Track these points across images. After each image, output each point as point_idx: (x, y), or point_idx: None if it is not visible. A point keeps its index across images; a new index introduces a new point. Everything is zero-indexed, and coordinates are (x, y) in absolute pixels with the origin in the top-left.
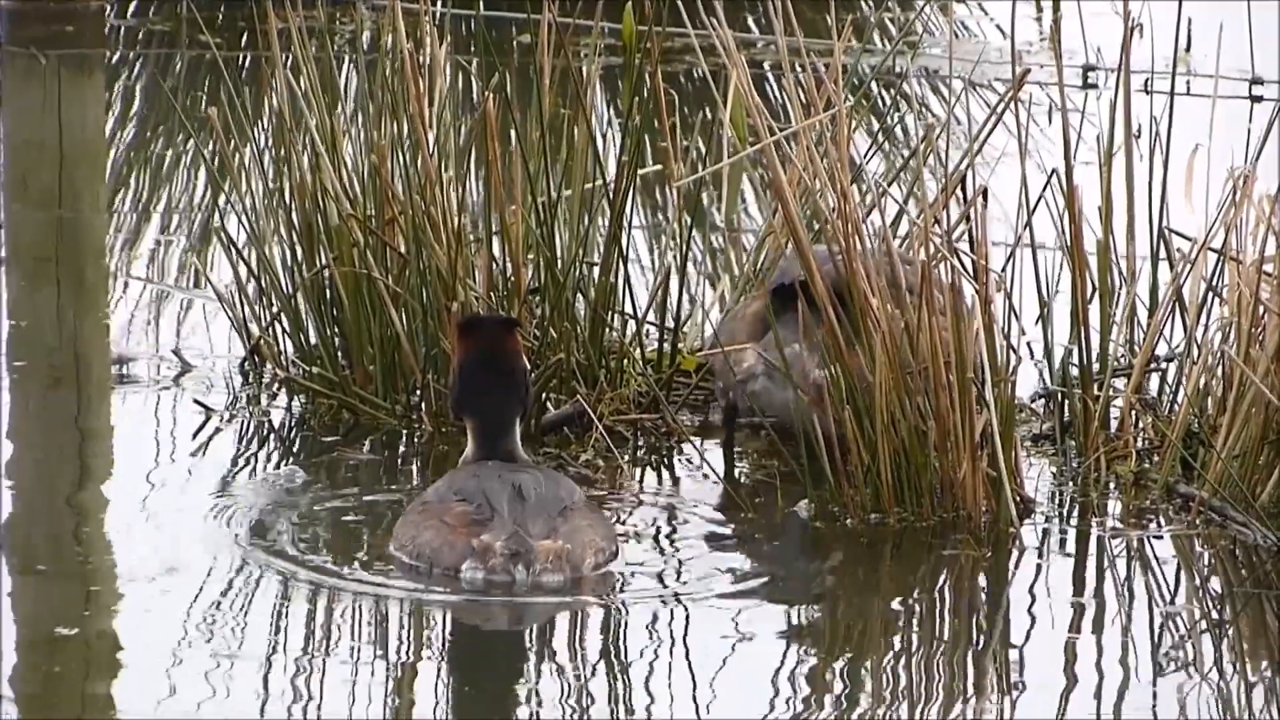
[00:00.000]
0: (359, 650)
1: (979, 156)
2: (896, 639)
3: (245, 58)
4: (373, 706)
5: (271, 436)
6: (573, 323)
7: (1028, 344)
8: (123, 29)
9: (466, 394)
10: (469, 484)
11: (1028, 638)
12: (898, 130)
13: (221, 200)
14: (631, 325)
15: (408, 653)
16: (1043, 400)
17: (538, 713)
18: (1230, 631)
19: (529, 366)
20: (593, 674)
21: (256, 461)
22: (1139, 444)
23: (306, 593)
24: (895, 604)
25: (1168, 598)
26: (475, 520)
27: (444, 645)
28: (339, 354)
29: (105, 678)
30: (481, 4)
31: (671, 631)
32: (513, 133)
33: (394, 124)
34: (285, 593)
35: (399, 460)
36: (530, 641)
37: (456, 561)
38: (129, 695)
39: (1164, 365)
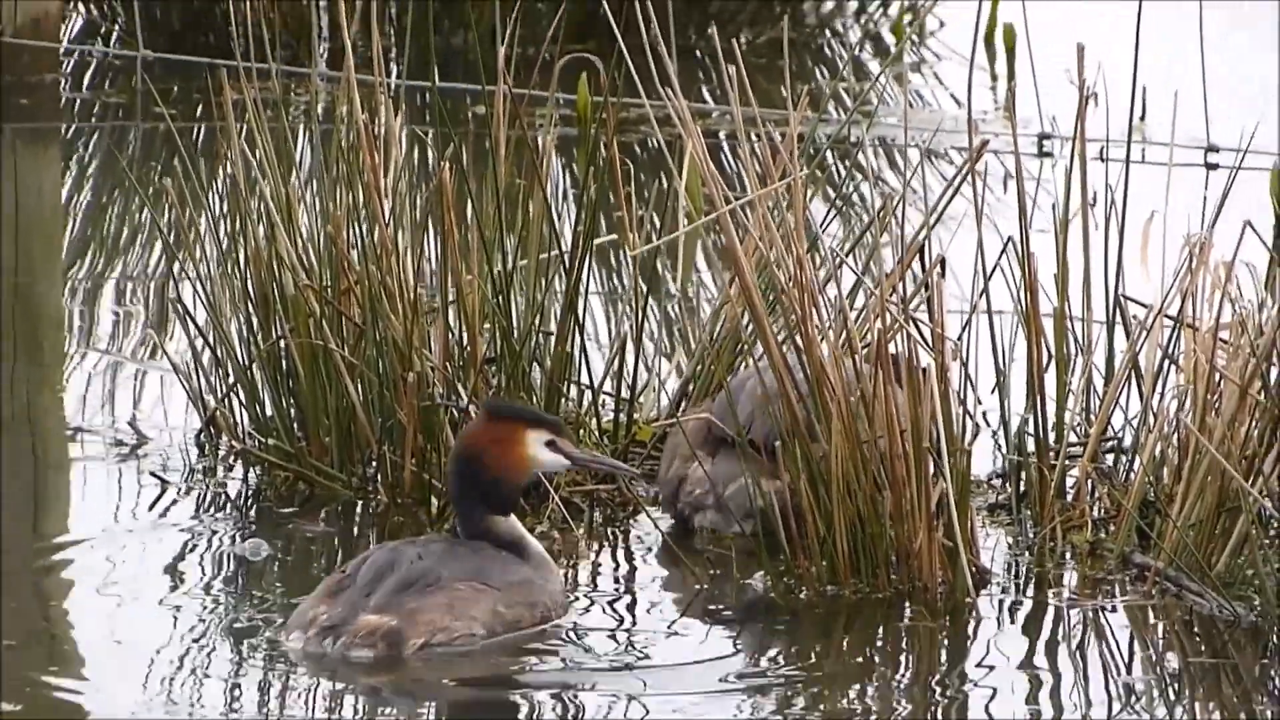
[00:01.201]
0: None
1: (935, 225)
2: (854, 711)
3: (200, 129)
4: None
5: (228, 508)
6: (529, 392)
7: (984, 413)
8: (78, 101)
9: (450, 478)
10: (370, 554)
11: (985, 710)
12: (854, 199)
13: (177, 269)
14: (588, 395)
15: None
16: (1000, 478)
17: None
18: (1187, 702)
19: (516, 473)
20: None
21: (214, 533)
22: (1095, 513)
23: (260, 663)
24: (852, 676)
25: (1124, 668)
26: (332, 591)
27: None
28: (294, 425)
29: None
30: (436, 75)
31: (625, 706)
32: (469, 203)
33: (349, 194)
34: (239, 666)
35: (354, 531)
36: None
37: (290, 630)
38: None
39: (1119, 439)
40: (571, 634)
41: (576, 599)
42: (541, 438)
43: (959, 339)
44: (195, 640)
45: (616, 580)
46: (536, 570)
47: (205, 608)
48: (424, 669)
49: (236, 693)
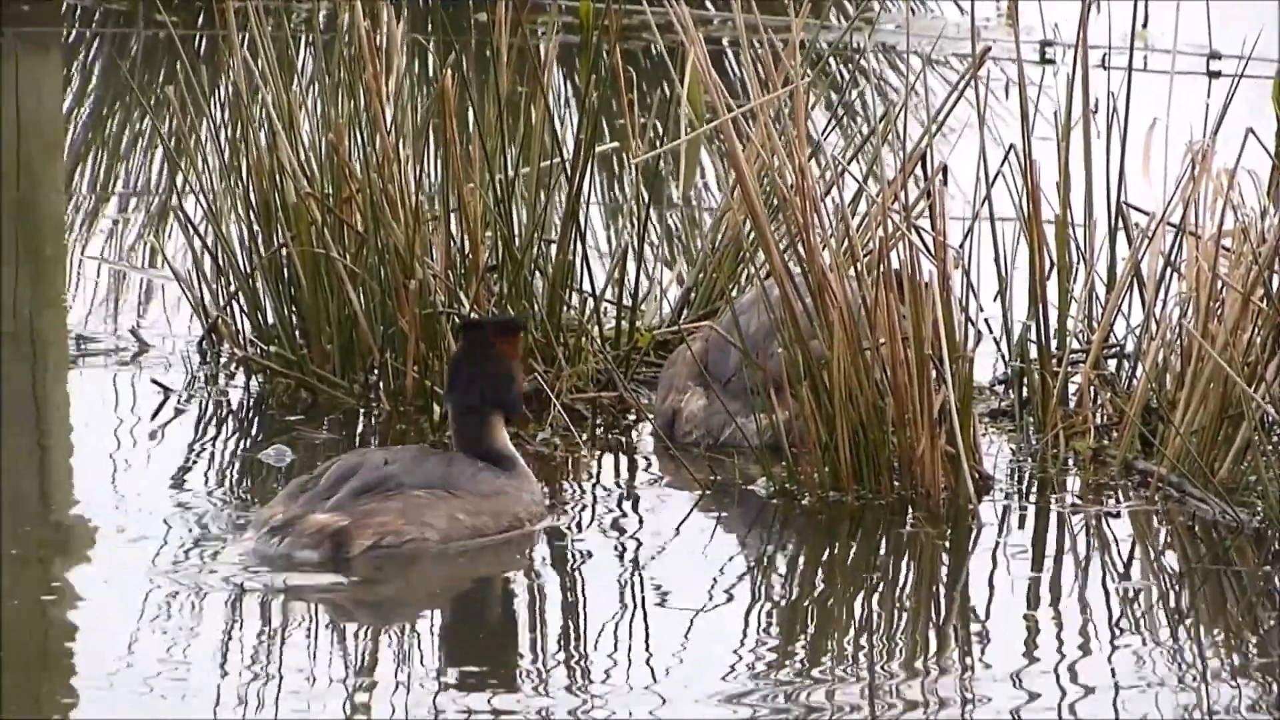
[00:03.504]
0: (314, 638)
1: (937, 132)
2: (855, 616)
3: (202, 37)
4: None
5: (230, 416)
6: (531, 300)
7: (986, 320)
8: (79, 8)
9: (449, 387)
10: (338, 459)
11: (986, 614)
12: (856, 107)
13: (179, 179)
14: (590, 303)
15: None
16: (1003, 385)
17: (488, 691)
18: (1188, 607)
19: (521, 373)
20: (550, 643)
21: (215, 440)
22: (1098, 420)
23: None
24: (853, 581)
25: (1126, 574)
26: (293, 494)
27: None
28: (296, 333)
29: (64, 641)
30: None
31: (626, 606)
32: (470, 111)
33: (351, 102)
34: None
35: (356, 440)
36: (471, 607)
37: (248, 529)
38: (88, 655)
39: (1121, 346)
40: (566, 539)
41: (567, 508)
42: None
43: (961, 247)
44: (195, 542)
45: (617, 486)
46: (512, 481)
47: (206, 513)
48: (372, 573)
49: (205, 603)
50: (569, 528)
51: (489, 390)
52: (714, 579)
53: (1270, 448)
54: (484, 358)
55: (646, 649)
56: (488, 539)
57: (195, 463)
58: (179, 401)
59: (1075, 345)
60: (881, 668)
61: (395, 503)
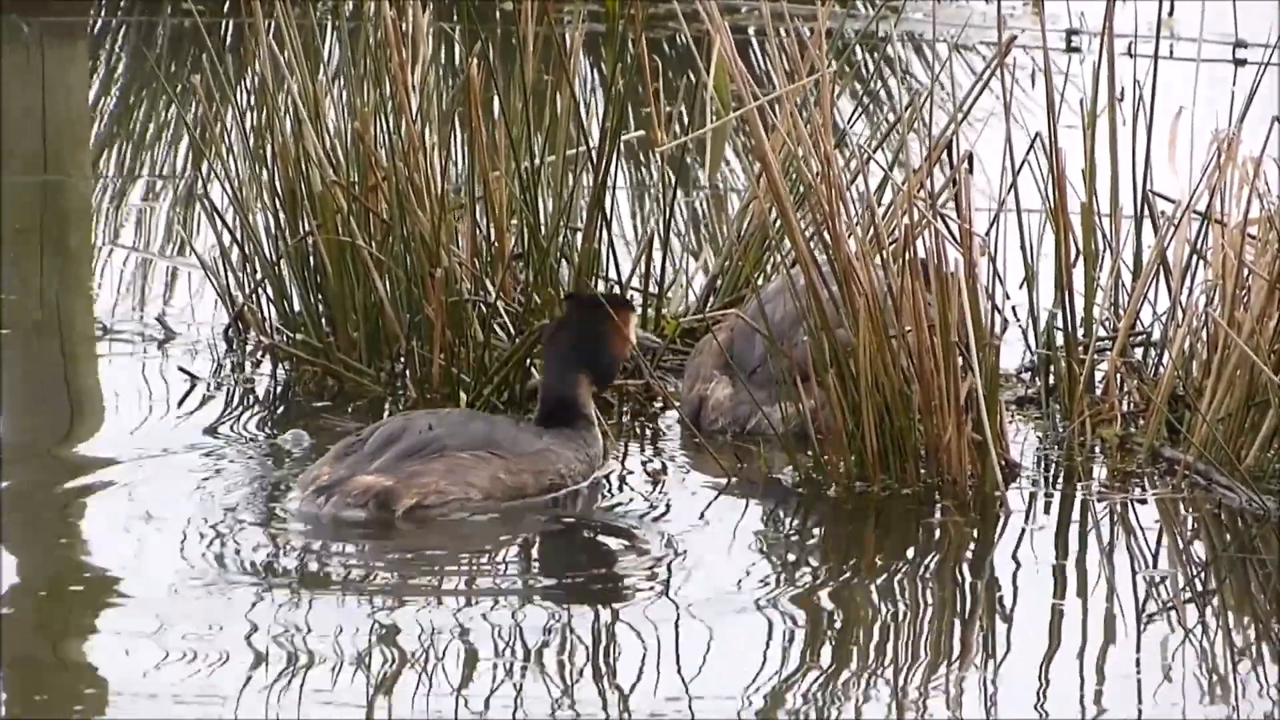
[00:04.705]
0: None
1: (963, 120)
2: (882, 605)
3: (227, 25)
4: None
5: (256, 404)
6: (556, 288)
7: (1013, 308)
8: None
9: (547, 339)
10: (384, 421)
11: (1013, 603)
12: (882, 95)
13: (205, 167)
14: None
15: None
16: (1029, 373)
17: (511, 657)
18: (1215, 596)
19: (621, 351)
20: (574, 630)
21: (244, 428)
22: (1124, 408)
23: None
24: (880, 570)
25: (1152, 562)
26: (340, 454)
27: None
28: (322, 321)
29: (90, 618)
30: None
31: (650, 594)
32: (496, 99)
33: (377, 90)
34: (273, 553)
35: None
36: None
37: (294, 489)
38: (118, 628)
39: (1148, 334)
40: (593, 527)
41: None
42: (635, 321)
43: (987, 235)
44: (225, 531)
45: (643, 474)
46: (555, 440)
47: (231, 495)
48: (416, 531)
49: (239, 557)
50: (600, 505)
51: (585, 350)
52: (740, 568)
53: None
54: (588, 323)
55: (673, 636)
56: (529, 499)
57: (222, 450)
58: (206, 389)
59: (1102, 333)
60: (908, 656)
61: (439, 464)
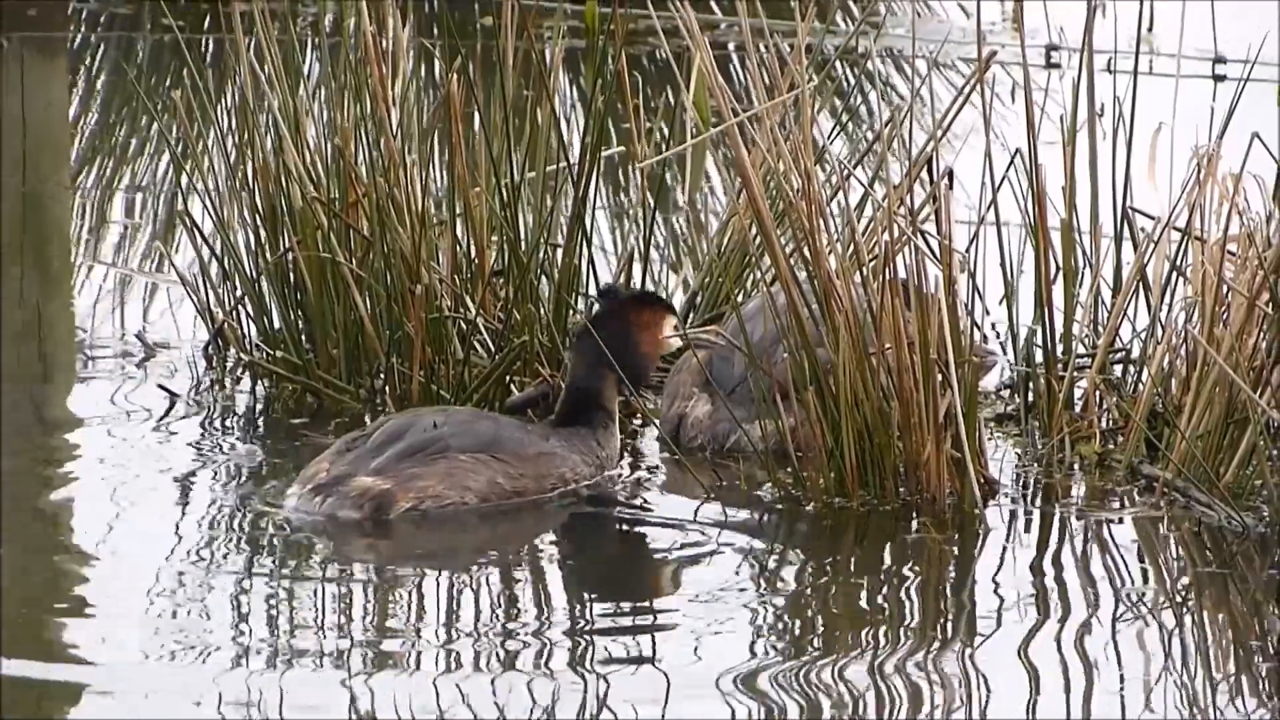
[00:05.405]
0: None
1: (943, 136)
2: (861, 623)
3: (208, 41)
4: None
5: (236, 420)
6: (537, 305)
7: (992, 324)
8: (85, 12)
9: (576, 335)
10: (389, 418)
11: (992, 619)
12: (862, 110)
13: (185, 183)
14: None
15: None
16: (1008, 389)
17: (489, 679)
18: (1195, 612)
19: (653, 353)
20: (554, 652)
21: (221, 445)
22: (1103, 425)
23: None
24: (859, 587)
25: (1132, 579)
26: (341, 451)
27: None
28: (303, 337)
29: (70, 626)
30: None
31: (629, 611)
32: (476, 115)
33: (357, 106)
34: (259, 553)
35: None
36: (479, 600)
37: (293, 484)
38: (92, 649)
39: (1127, 351)
40: (573, 545)
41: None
42: (672, 322)
43: (967, 251)
44: (204, 545)
45: (623, 490)
46: (562, 442)
47: (207, 512)
48: (411, 533)
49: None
50: (583, 519)
51: (614, 350)
52: (719, 584)
53: (1275, 452)
54: (620, 321)
55: (651, 651)
56: (531, 499)
57: (201, 466)
58: (185, 406)
59: (1081, 350)
60: (885, 673)
61: (439, 466)
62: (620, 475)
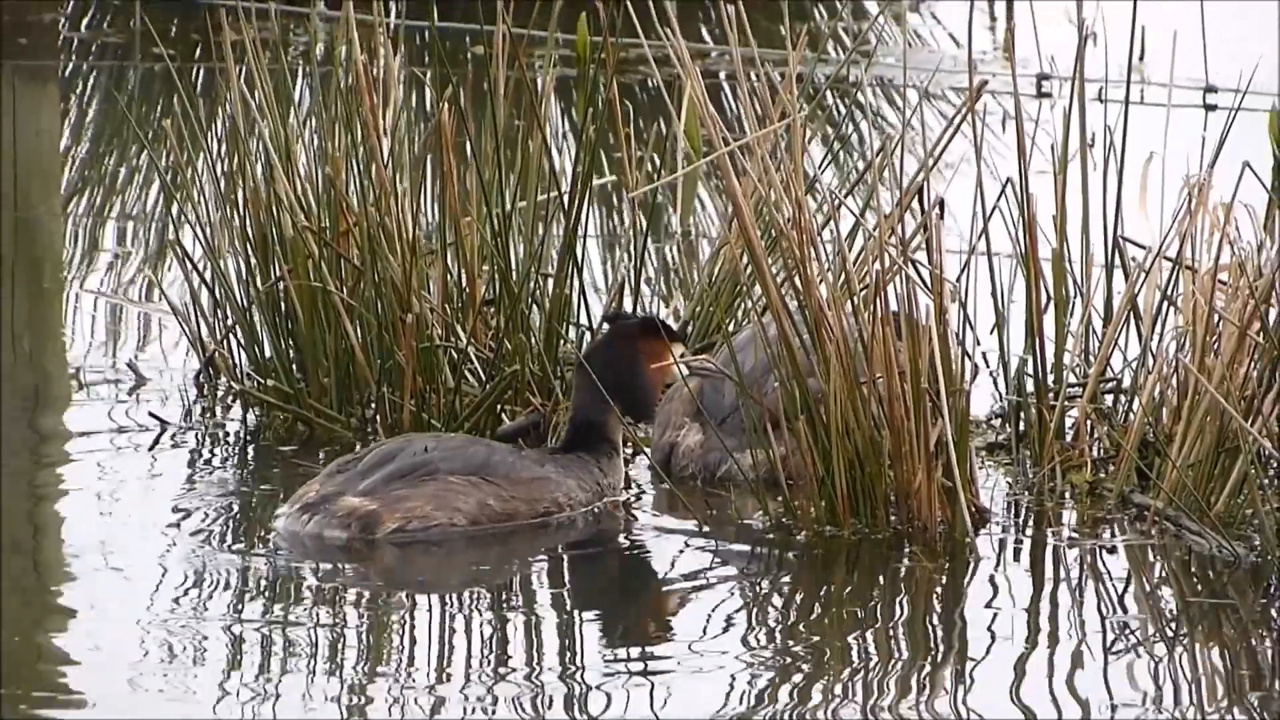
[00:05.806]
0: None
1: (934, 166)
2: (851, 651)
3: (199, 70)
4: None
5: (226, 449)
6: (528, 334)
7: (983, 354)
8: (76, 41)
9: (581, 360)
10: (382, 441)
11: (983, 648)
12: (853, 139)
13: (176, 212)
14: (587, 337)
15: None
16: (1000, 419)
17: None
18: (1186, 642)
19: (656, 382)
20: (544, 676)
21: (212, 473)
22: (1094, 454)
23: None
24: (850, 616)
25: (1123, 608)
26: (332, 473)
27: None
28: (293, 366)
29: (57, 668)
30: (435, 15)
31: (621, 639)
32: (467, 144)
33: (348, 135)
34: (239, 598)
35: None
36: (463, 637)
37: (286, 506)
38: (85, 686)
39: (1118, 380)
40: (562, 574)
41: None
42: (679, 350)
43: (958, 280)
44: (192, 576)
45: (614, 518)
46: (558, 468)
47: (197, 541)
48: (399, 555)
49: (235, 629)
50: (574, 547)
51: (617, 378)
52: (709, 613)
53: (1267, 482)
54: (624, 349)
55: (643, 680)
56: (523, 523)
57: (191, 495)
58: (175, 435)
59: (1072, 379)
60: (877, 703)
61: (428, 488)
62: (611, 504)
